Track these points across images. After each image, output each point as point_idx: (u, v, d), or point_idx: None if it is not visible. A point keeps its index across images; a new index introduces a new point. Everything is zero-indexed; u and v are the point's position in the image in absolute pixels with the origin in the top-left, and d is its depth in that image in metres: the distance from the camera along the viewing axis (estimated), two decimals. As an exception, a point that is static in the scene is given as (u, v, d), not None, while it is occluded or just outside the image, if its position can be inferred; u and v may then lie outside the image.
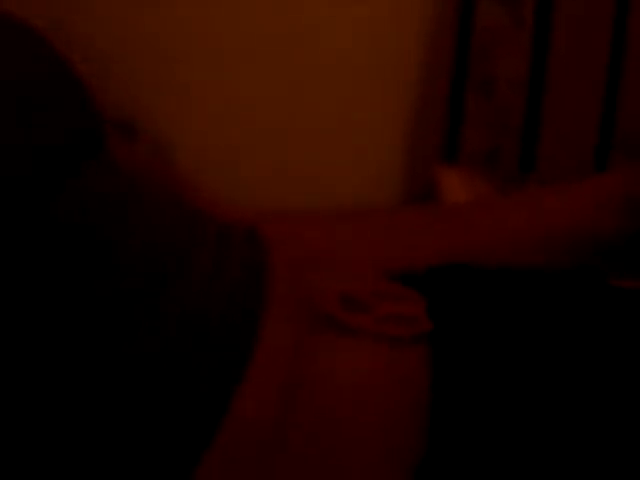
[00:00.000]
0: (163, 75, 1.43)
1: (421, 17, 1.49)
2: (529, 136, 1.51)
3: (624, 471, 0.54)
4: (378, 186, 1.52)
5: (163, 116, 1.39)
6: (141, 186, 0.58)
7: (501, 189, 1.42)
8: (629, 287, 0.72)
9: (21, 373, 0.51)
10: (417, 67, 1.51)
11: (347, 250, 0.72)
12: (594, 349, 0.60)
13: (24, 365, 0.51)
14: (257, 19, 1.48)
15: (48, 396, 0.52)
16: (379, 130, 1.52)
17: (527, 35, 1.47)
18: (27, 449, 0.52)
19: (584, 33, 1.48)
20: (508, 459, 0.54)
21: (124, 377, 0.53)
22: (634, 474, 0.54)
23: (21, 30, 0.56)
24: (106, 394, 0.52)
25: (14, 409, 0.51)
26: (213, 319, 0.56)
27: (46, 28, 0.56)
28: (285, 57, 1.49)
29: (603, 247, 0.74)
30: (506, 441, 0.54)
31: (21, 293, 0.51)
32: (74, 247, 0.52)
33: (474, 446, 0.54)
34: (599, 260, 0.75)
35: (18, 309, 0.51)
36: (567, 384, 0.57)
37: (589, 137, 1.51)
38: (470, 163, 1.49)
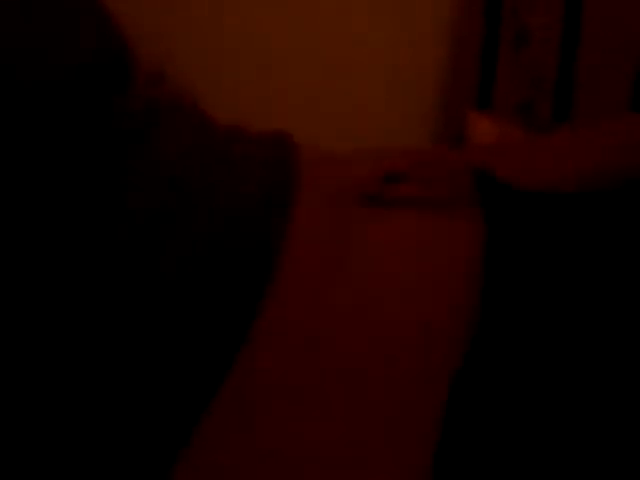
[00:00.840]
0: (194, 26, 1.46)
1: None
2: (562, 89, 1.51)
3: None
4: (410, 132, 1.52)
5: (192, 66, 1.40)
6: (171, 109, 0.59)
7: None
8: None
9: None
10: (450, 17, 1.52)
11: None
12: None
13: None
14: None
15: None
16: (413, 76, 1.53)
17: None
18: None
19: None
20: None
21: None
22: None
23: None
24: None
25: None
26: (244, 212, 0.56)
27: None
28: None
29: None
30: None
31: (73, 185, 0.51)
32: (123, 150, 0.54)
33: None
34: None
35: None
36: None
37: (623, 91, 1.50)
38: (502, 114, 1.50)
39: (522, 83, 1.51)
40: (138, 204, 0.54)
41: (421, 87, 1.55)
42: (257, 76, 1.52)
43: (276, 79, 1.52)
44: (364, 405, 0.51)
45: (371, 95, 1.54)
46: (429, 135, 1.56)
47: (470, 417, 0.51)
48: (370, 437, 0.50)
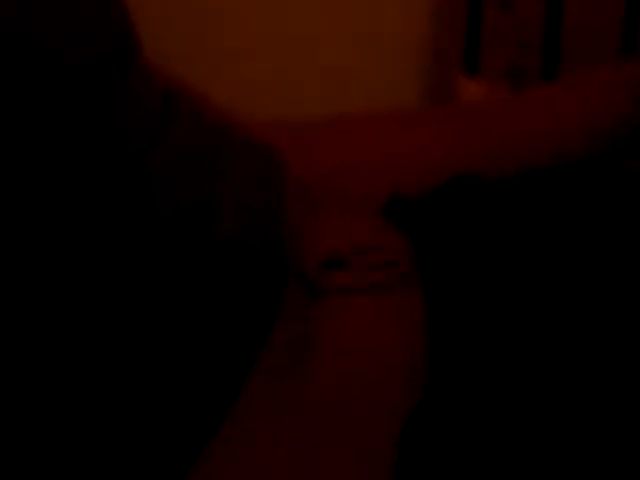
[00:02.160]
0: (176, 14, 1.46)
1: None
2: (550, 53, 1.49)
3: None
4: (397, 94, 1.52)
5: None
6: (176, 97, 0.59)
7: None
8: None
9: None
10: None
11: (360, 163, 0.72)
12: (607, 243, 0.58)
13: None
14: None
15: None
16: (400, 40, 1.53)
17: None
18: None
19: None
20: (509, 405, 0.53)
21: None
22: None
23: None
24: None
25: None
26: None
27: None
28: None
29: (621, 134, 0.73)
30: (507, 387, 0.54)
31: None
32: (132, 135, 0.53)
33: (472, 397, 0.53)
34: (618, 146, 0.74)
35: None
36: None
37: (611, 52, 1.48)
38: (490, 77, 1.48)
39: (510, 46, 1.49)
40: (165, 192, 0.53)
41: (408, 51, 1.54)
42: (240, 47, 1.52)
43: (268, 50, 1.52)
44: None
45: (359, 60, 1.53)
46: (418, 99, 1.55)
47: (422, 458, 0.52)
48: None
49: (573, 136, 0.73)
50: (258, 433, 0.52)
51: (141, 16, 0.60)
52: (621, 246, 0.59)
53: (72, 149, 0.50)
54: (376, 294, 0.57)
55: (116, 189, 0.51)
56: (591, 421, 0.52)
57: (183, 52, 1.37)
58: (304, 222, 0.61)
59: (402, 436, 0.52)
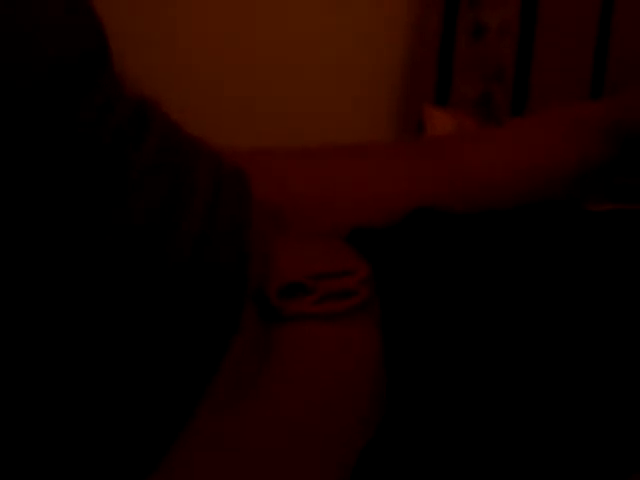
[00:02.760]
0: (150, 28, 1.46)
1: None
2: (520, 83, 1.50)
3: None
4: (369, 128, 1.52)
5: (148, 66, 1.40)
6: (147, 109, 0.59)
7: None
8: (606, 211, 0.71)
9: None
10: (409, 12, 1.52)
11: (327, 193, 0.72)
12: (565, 283, 0.58)
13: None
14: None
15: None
16: (372, 72, 1.53)
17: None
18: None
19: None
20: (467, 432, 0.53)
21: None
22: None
23: None
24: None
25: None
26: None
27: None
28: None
29: (586, 175, 0.73)
30: (465, 415, 0.54)
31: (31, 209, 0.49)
32: (90, 160, 0.52)
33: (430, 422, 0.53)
34: (581, 188, 0.74)
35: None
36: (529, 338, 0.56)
37: (581, 84, 1.50)
38: (461, 106, 1.49)
39: (480, 76, 1.50)
40: (139, 204, 0.53)
41: (381, 81, 1.55)
42: (219, 79, 1.53)
43: (238, 81, 1.52)
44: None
45: (330, 91, 1.53)
46: (390, 129, 1.56)
47: None
48: None
49: (538, 174, 0.73)
50: (197, 468, 0.51)
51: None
52: (570, 283, 0.59)
53: (36, 157, 0.49)
54: (335, 321, 0.56)
55: (85, 196, 0.51)
56: (546, 455, 0.53)
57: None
58: (267, 244, 0.61)
59: (357, 467, 0.52)
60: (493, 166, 0.74)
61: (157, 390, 0.52)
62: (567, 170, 0.73)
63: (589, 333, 0.56)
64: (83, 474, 0.50)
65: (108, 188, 0.52)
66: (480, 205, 0.71)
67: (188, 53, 1.49)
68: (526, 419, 0.53)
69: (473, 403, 0.54)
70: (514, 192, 0.72)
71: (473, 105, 1.51)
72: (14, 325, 0.49)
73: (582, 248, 0.62)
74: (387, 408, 0.54)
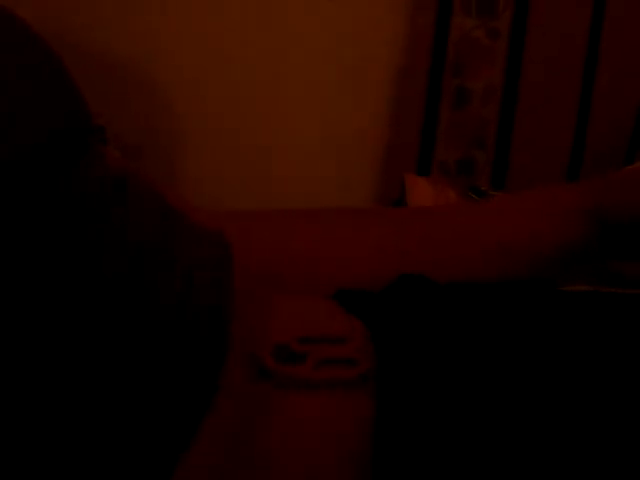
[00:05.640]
0: (134, 81, 1.46)
1: (395, 31, 1.50)
2: (501, 149, 1.50)
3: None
4: (352, 194, 1.52)
5: (132, 123, 1.40)
6: (127, 186, 0.59)
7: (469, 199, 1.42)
8: (581, 291, 0.72)
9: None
10: (394, 75, 1.52)
11: (307, 262, 0.72)
12: (543, 361, 0.58)
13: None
14: (241, 24, 1.49)
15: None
16: (356, 138, 1.53)
17: (502, 48, 1.48)
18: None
19: (559, 48, 1.48)
20: None
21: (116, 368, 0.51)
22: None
23: (20, 26, 0.56)
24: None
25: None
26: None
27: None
28: (265, 62, 1.51)
29: (561, 255, 0.74)
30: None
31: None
32: (70, 232, 0.52)
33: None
34: (559, 268, 0.74)
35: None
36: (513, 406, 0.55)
37: (561, 154, 1.50)
38: (442, 173, 1.49)
39: (462, 142, 1.50)
40: (112, 268, 0.53)
41: (363, 149, 1.55)
42: (194, 146, 1.52)
43: (213, 147, 1.52)
44: None
45: (312, 157, 1.53)
46: (371, 197, 1.55)
47: None
48: None
49: (514, 252, 0.73)
50: None
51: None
52: (549, 357, 0.59)
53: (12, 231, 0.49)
54: (330, 391, 0.55)
55: (62, 267, 0.51)
56: None
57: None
58: (254, 304, 0.60)
59: None
60: (467, 241, 0.74)
61: (136, 446, 0.51)
62: (544, 250, 0.73)
63: (565, 409, 0.55)
64: None
65: (87, 248, 0.51)
66: (456, 278, 0.71)
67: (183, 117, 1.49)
68: None
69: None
70: (485, 269, 0.73)
71: (455, 170, 1.51)
72: None
73: (552, 326, 0.62)
74: None
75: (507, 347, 0.59)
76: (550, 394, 0.56)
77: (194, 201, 0.69)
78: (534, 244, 0.73)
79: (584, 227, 0.72)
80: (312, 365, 0.55)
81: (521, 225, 0.74)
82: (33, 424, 0.49)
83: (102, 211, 0.55)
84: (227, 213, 0.74)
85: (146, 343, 0.52)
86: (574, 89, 1.48)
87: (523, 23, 1.47)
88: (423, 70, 1.48)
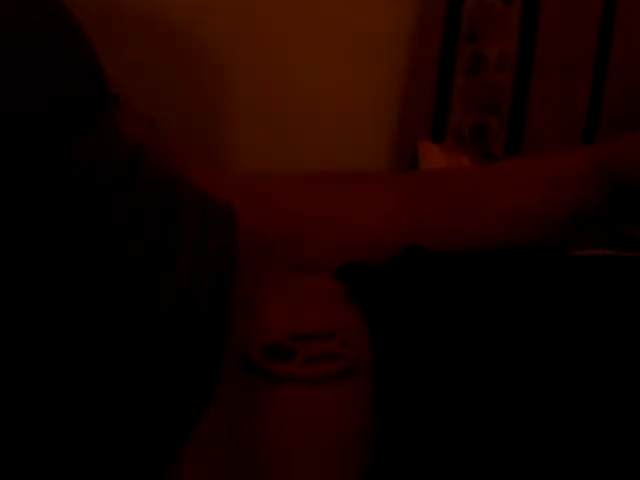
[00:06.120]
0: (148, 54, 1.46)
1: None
2: (516, 115, 1.49)
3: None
4: (366, 159, 1.51)
5: (146, 91, 1.40)
6: (141, 153, 0.59)
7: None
8: (589, 255, 0.72)
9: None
10: (408, 43, 1.51)
11: (318, 225, 0.72)
12: (551, 333, 0.58)
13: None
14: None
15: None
16: (371, 105, 1.53)
17: (516, 14, 1.47)
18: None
19: (574, 13, 1.47)
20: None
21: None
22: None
23: None
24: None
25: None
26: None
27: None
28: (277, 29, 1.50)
29: (573, 219, 0.73)
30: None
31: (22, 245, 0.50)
32: (82, 203, 0.52)
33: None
34: (569, 233, 0.74)
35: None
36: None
37: (576, 120, 1.49)
38: (457, 139, 1.48)
39: (477, 109, 1.49)
40: (127, 248, 0.53)
41: (377, 116, 1.54)
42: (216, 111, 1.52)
43: (229, 110, 1.52)
44: None
45: (324, 122, 1.53)
46: (385, 165, 1.55)
47: None
48: None
49: (525, 218, 0.73)
50: None
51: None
52: (557, 327, 0.59)
53: (28, 198, 0.49)
54: (322, 384, 0.56)
55: (79, 238, 0.51)
56: None
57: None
58: (253, 295, 0.60)
59: None
60: (480, 206, 0.73)
61: (135, 442, 0.51)
62: (557, 214, 0.73)
63: (572, 379, 0.55)
64: None
65: (98, 230, 0.51)
66: (464, 244, 0.71)
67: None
68: None
69: (470, 467, 0.52)
70: (499, 234, 0.72)
71: (469, 137, 1.50)
72: None
73: (561, 291, 0.62)
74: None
75: (511, 326, 0.58)
76: (552, 379, 0.55)
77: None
78: (546, 208, 0.73)
79: (596, 191, 0.72)
80: (301, 361, 0.56)
81: (534, 189, 0.73)
82: (31, 418, 0.49)
83: (117, 177, 0.54)
84: (240, 178, 0.74)
85: (148, 332, 0.52)
86: (589, 54, 1.47)
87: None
88: (437, 37, 1.47)
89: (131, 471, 0.51)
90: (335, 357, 0.56)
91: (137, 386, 0.51)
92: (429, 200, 0.74)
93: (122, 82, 0.64)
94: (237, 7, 1.47)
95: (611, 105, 1.48)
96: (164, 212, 0.57)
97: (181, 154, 0.74)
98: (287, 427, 0.54)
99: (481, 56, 1.48)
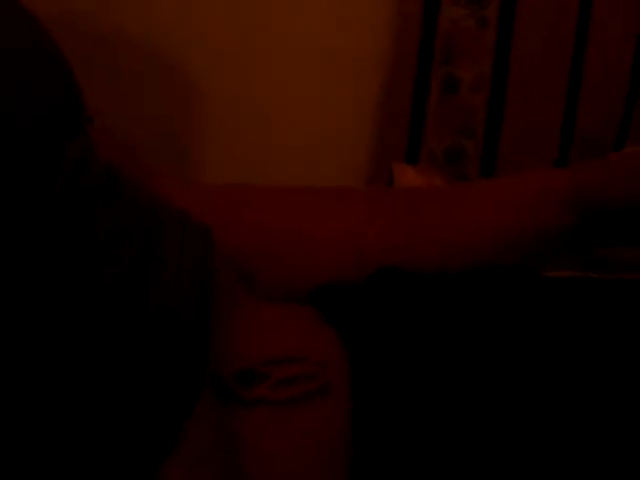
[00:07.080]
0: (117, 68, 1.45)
1: (384, 19, 1.50)
2: (490, 138, 1.50)
3: None
4: (341, 179, 1.52)
5: (117, 104, 1.40)
6: (116, 171, 0.58)
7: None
8: (563, 277, 0.72)
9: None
10: (382, 66, 1.52)
11: (291, 245, 0.72)
12: (525, 355, 0.58)
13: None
14: (234, 17, 1.49)
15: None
16: (346, 126, 1.53)
17: (491, 36, 1.47)
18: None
19: (548, 37, 1.48)
20: None
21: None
22: None
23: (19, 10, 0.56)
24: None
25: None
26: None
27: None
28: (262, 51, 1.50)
29: (546, 241, 0.73)
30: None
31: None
32: (63, 222, 0.51)
33: None
34: (542, 255, 0.74)
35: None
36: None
37: (551, 142, 1.49)
38: (431, 162, 1.49)
39: (451, 131, 1.50)
40: (107, 268, 0.52)
41: (351, 137, 1.54)
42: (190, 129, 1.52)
43: (209, 126, 1.52)
44: None
45: (302, 140, 1.53)
46: (360, 185, 1.55)
47: None
48: None
49: (497, 239, 0.73)
50: None
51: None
52: (530, 347, 0.59)
53: (19, 197, 0.49)
54: (296, 405, 0.56)
55: (57, 253, 0.50)
56: None
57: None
58: (228, 316, 0.60)
59: None
60: (453, 227, 0.73)
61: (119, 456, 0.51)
62: (526, 237, 0.73)
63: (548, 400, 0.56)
64: None
65: (77, 247, 0.51)
66: (437, 265, 0.70)
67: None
68: None
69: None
70: (471, 255, 0.72)
71: (443, 159, 1.50)
72: None
73: (534, 312, 0.62)
74: None
75: (485, 346, 0.59)
76: (530, 387, 0.56)
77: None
78: (513, 231, 0.73)
79: (568, 214, 0.72)
80: (272, 384, 0.56)
81: (501, 212, 0.73)
82: (27, 417, 0.49)
83: (97, 192, 0.54)
84: (214, 191, 0.73)
85: (135, 340, 0.52)
86: (563, 78, 1.48)
87: (512, 12, 1.46)
88: (412, 59, 1.47)
89: (118, 472, 0.51)
90: (307, 378, 0.57)
91: (123, 394, 0.51)
92: (401, 226, 0.74)
93: (92, 103, 0.64)
94: (208, 23, 1.47)
95: (585, 128, 1.48)
96: (143, 230, 0.57)
97: (160, 175, 0.74)
98: (262, 450, 0.54)
99: (455, 78, 1.49)
